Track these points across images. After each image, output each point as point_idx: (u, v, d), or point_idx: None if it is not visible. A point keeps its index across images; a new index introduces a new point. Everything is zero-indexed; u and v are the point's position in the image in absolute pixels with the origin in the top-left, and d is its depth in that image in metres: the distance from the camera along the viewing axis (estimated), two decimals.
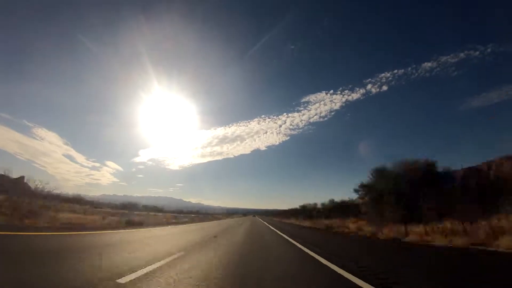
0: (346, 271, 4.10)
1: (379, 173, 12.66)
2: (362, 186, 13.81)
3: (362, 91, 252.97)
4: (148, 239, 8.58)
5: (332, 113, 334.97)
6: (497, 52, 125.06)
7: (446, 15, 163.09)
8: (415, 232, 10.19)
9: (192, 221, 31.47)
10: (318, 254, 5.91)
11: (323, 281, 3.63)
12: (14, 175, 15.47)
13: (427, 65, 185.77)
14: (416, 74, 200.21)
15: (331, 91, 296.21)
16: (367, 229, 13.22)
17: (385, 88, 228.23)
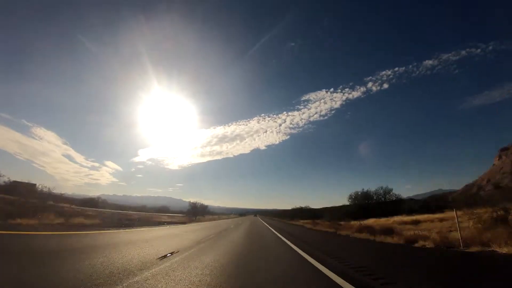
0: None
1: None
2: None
3: (362, 89, 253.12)
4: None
5: (333, 112, 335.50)
6: (498, 50, 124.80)
7: (447, 13, 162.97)
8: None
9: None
10: None
11: None
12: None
13: (428, 63, 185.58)
14: (417, 72, 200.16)
15: (331, 89, 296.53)
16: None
17: (385, 86, 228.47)
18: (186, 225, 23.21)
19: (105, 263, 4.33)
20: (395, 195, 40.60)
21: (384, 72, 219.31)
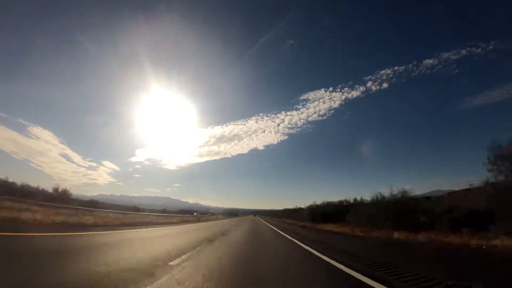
0: None
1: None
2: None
3: (362, 88, 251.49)
4: None
5: (331, 112, 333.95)
6: (499, 50, 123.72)
7: (448, 11, 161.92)
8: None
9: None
10: None
11: None
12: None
13: (429, 62, 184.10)
14: (417, 71, 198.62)
15: (331, 89, 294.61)
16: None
17: (385, 85, 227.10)
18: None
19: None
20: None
21: (383, 71, 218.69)
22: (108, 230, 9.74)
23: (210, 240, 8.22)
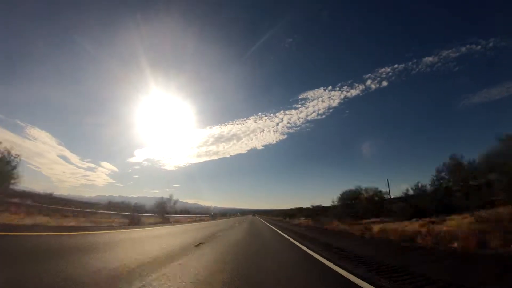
0: None
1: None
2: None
3: (361, 87, 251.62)
4: None
5: (330, 111, 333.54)
6: (499, 47, 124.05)
7: (447, 7, 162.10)
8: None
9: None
10: None
11: None
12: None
13: (428, 59, 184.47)
14: (417, 69, 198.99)
15: (330, 87, 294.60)
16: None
17: (385, 83, 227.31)
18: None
19: None
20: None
21: (383, 70, 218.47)
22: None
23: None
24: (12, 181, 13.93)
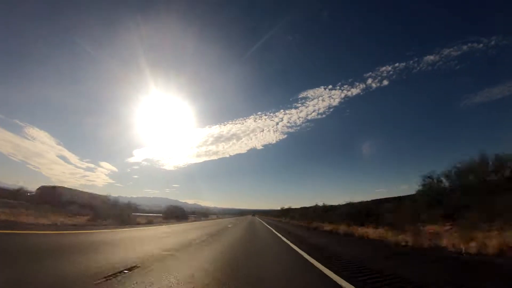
0: None
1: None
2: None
3: (362, 86, 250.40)
4: None
5: (331, 110, 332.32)
6: (501, 45, 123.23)
7: (448, 4, 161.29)
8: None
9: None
10: None
11: None
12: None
13: (429, 58, 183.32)
14: (418, 68, 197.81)
15: (330, 86, 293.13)
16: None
17: (385, 82, 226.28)
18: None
19: None
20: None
21: (384, 68, 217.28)
22: None
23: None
24: None
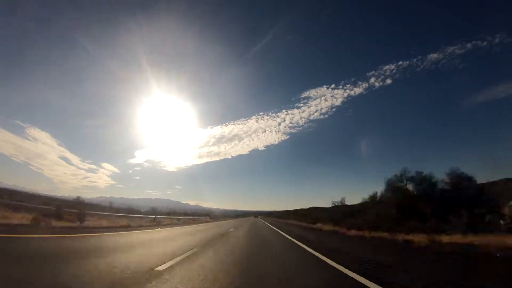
0: None
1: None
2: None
3: (365, 85, 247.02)
4: None
5: (333, 110, 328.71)
6: (504, 43, 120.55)
7: (452, 2, 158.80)
8: None
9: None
10: None
11: None
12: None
13: (433, 56, 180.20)
14: (422, 66, 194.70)
15: (333, 86, 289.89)
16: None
17: (389, 81, 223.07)
18: None
19: None
20: None
21: (387, 67, 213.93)
22: None
23: None
24: None
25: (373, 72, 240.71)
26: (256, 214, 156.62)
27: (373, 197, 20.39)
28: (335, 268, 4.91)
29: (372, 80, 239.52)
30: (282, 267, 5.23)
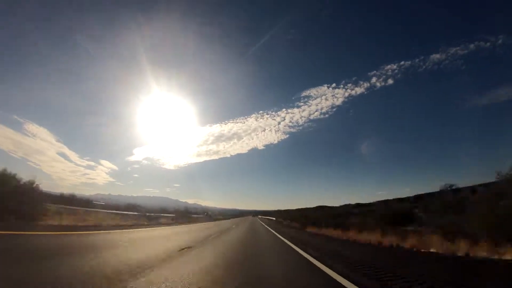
0: None
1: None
2: None
3: (366, 85, 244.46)
4: None
5: (334, 109, 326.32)
6: (508, 44, 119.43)
7: (455, 2, 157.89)
8: None
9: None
10: None
11: None
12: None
13: (436, 56, 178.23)
14: (424, 66, 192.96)
15: (334, 85, 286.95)
16: None
17: (390, 81, 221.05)
18: None
19: None
20: None
21: (389, 66, 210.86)
22: None
23: None
24: None
25: (375, 71, 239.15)
26: (254, 213, 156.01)
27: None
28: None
29: (374, 80, 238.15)
30: None
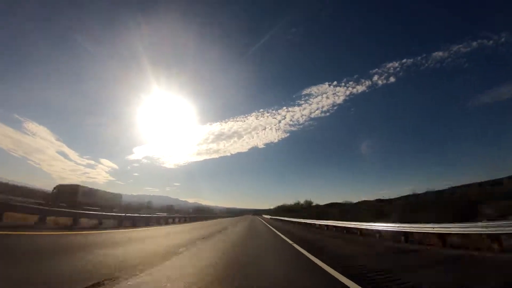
0: None
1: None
2: None
3: (367, 83, 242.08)
4: None
5: (335, 108, 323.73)
6: (510, 42, 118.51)
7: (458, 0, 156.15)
8: None
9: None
10: None
11: None
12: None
13: (438, 54, 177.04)
14: (426, 64, 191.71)
15: (335, 83, 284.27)
16: None
17: (392, 79, 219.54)
18: None
19: None
20: None
21: (391, 64, 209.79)
22: None
23: None
24: None
25: (376, 69, 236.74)
26: (254, 212, 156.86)
27: None
28: None
29: (375, 78, 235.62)
30: None
